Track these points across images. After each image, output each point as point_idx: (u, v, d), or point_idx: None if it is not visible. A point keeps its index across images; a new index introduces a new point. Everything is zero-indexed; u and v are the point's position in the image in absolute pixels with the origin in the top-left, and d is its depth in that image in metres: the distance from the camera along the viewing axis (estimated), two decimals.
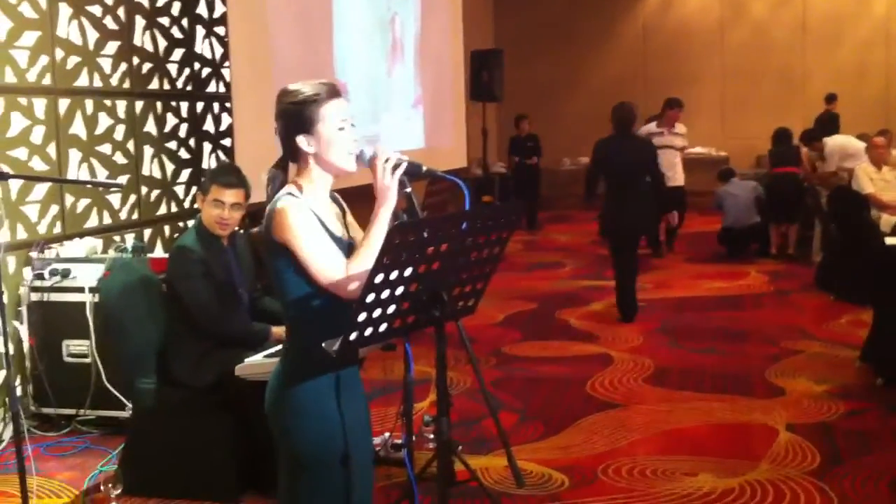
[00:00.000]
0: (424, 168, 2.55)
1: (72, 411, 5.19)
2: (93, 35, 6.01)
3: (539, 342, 7.01)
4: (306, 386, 2.50)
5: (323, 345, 2.22)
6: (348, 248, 2.56)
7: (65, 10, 5.75)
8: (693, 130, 11.96)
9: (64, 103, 5.75)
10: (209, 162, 7.29)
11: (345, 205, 2.76)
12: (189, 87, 7.09)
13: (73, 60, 5.84)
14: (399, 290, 2.23)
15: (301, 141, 2.57)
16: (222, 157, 7.47)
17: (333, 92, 2.61)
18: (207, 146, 7.30)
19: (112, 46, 6.20)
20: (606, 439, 4.91)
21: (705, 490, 4.22)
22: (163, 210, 6.75)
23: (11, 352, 5.25)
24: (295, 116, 2.57)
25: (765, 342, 6.79)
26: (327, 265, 2.43)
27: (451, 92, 12.23)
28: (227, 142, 7.45)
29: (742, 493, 4.18)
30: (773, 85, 15.85)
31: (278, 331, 4.08)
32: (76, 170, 5.87)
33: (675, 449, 4.77)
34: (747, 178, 11.30)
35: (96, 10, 6.05)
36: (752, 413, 5.26)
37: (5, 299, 5.20)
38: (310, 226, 2.46)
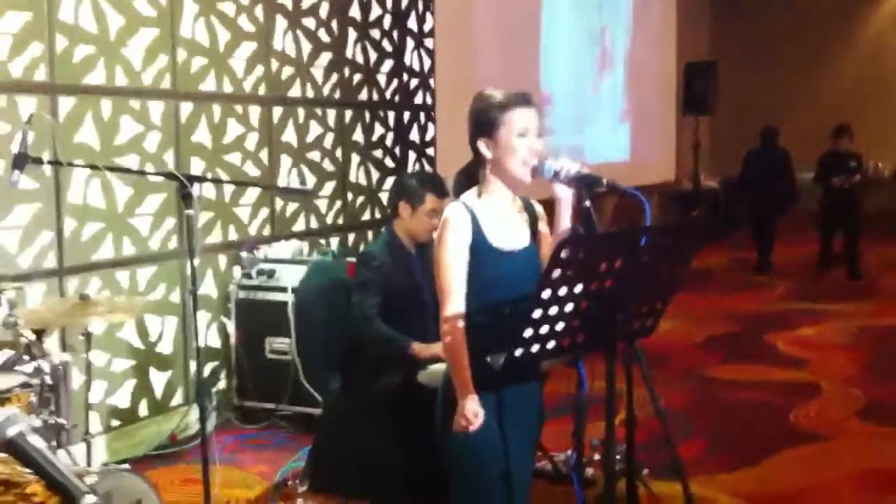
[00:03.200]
0: (605, 180, 2.47)
1: (271, 406, 5.40)
2: (307, 47, 6.27)
3: (740, 365, 6.68)
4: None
5: (488, 359, 2.19)
6: (507, 256, 2.55)
7: (281, 23, 6.04)
8: None
9: (277, 111, 6.03)
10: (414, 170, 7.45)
11: (540, 213, 2.73)
12: (397, 98, 7.27)
13: (287, 71, 6.11)
14: (568, 307, 2.16)
15: (481, 145, 2.59)
16: (426, 166, 7.61)
17: (523, 100, 2.59)
18: (412, 155, 7.46)
19: (325, 58, 6.45)
20: (806, 474, 4.60)
21: None
22: (367, 216, 6.95)
23: (217, 346, 5.57)
24: (479, 119, 2.60)
25: None
26: (448, 295, 2.52)
27: (661, 104, 11.94)
28: (430, 151, 7.58)
29: None
30: None
31: (419, 347, 3.99)
32: (286, 175, 6.14)
33: (883, 489, 4.41)
34: None
35: (311, 22, 6.31)
36: None
37: (215, 296, 5.55)
38: (456, 249, 2.52)
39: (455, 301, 2.51)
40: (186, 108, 5.34)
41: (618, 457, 4.33)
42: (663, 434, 4.85)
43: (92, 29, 4.76)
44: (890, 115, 11.51)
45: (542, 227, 2.70)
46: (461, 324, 2.49)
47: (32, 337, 3.57)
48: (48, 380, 3.25)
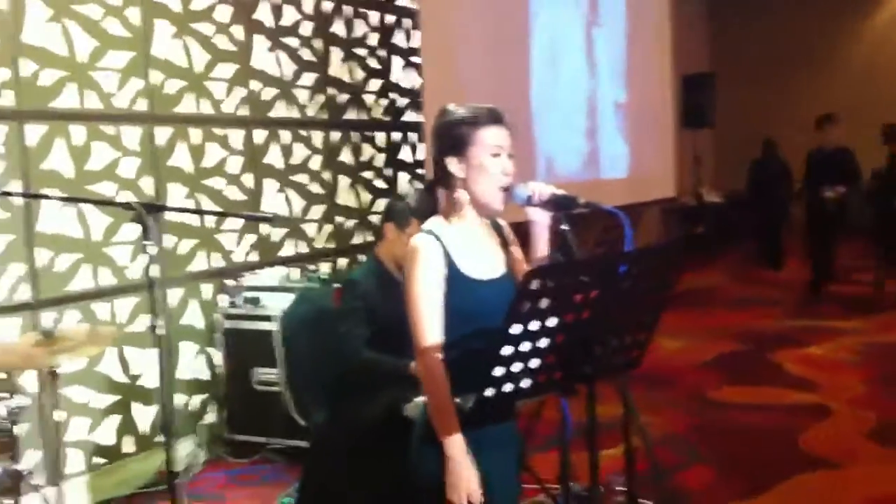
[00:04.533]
0: (581, 200, 2.28)
1: (262, 439, 5.21)
2: (289, 66, 6.10)
3: (747, 387, 6.45)
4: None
5: (457, 401, 1.99)
6: (483, 285, 2.36)
7: (261, 42, 5.86)
8: None
9: (260, 134, 5.85)
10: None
11: (509, 233, 2.54)
12: (386, 118, 7.10)
13: (270, 92, 5.94)
14: (542, 343, 1.96)
15: (451, 163, 2.40)
16: (419, 186, 7.43)
17: (494, 117, 2.42)
18: (404, 176, 7.28)
19: (309, 77, 6.28)
20: (818, 501, 4.39)
21: None
22: (358, 239, 6.76)
23: (205, 377, 5.38)
24: (448, 136, 2.42)
25: None
26: (422, 329, 2.31)
27: (658, 118, 11.74)
28: (422, 171, 7.40)
29: None
30: None
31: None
32: (272, 199, 5.96)
33: None
34: None
35: (293, 41, 6.14)
36: None
37: (201, 325, 5.37)
38: (427, 282, 2.31)
39: (431, 335, 2.31)
40: (164, 132, 5.17)
41: (619, 488, 4.17)
42: (658, 464, 4.67)
43: (61, 51, 4.60)
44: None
45: (515, 250, 2.50)
46: (440, 357, 2.29)
47: (3, 375, 3.41)
48: (6, 424, 3.06)
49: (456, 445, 2.23)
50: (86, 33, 4.72)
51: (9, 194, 3.72)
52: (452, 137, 2.40)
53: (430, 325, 2.31)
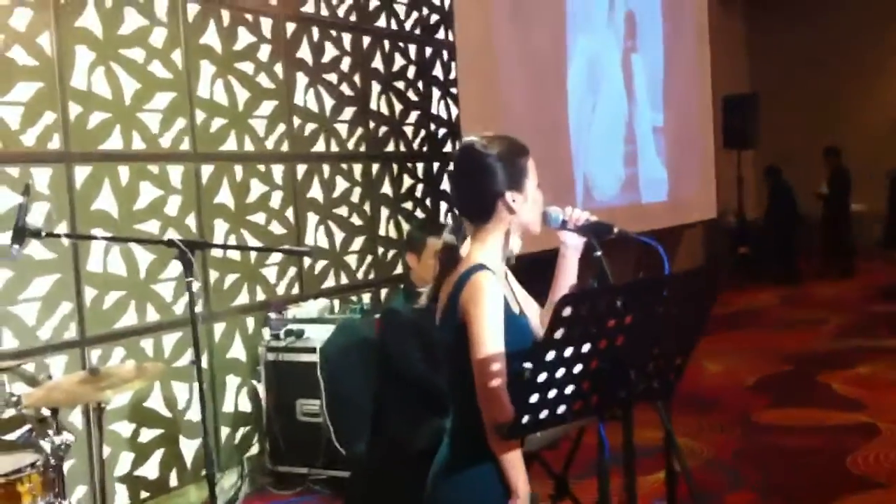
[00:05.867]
0: (616, 228, 2.31)
1: (305, 470, 5.25)
2: (329, 101, 6.20)
3: (793, 409, 6.38)
4: (470, 474, 2.26)
5: (494, 428, 2.02)
6: (525, 319, 2.33)
7: (302, 79, 5.98)
8: None
9: (301, 168, 5.95)
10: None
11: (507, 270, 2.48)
12: (425, 148, 7.18)
13: (310, 127, 6.04)
14: (577, 369, 1.99)
15: (512, 197, 2.32)
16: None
17: (523, 145, 2.41)
18: (444, 206, 7.34)
19: (348, 112, 6.38)
20: None
21: None
22: (399, 270, 6.82)
23: (248, 410, 5.45)
24: (505, 169, 2.32)
25: None
26: (496, 375, 2.16)
27: (699, 139, 11.70)
28: None
29: None
30: None
31: None
32: (314, 232, 6.04)
33: None
34: None
35: (332, 77, 6.24)
36: None
37: (244, 358, 5.45)
38: (497, 319, 2.20)
39: (503, 383, 2.17)
40: (207, 169, 5.28)
41: None
42: (719, 484, 4.64)
43: (106, 94, 4.73)
44: None
45: (514, 284, 2.48)
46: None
47: (48, 413, 3.48)
48: (51, 460, 3.14)
49: (526, 487, 2.23)
50: (130, 76, 4.85)
51: (56, 235, 3.82)
52: (511, 170, 2.33)
53: (502, 371, 2.18)
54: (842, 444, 5.48)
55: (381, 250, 6.68)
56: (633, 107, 10.20)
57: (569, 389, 2.01)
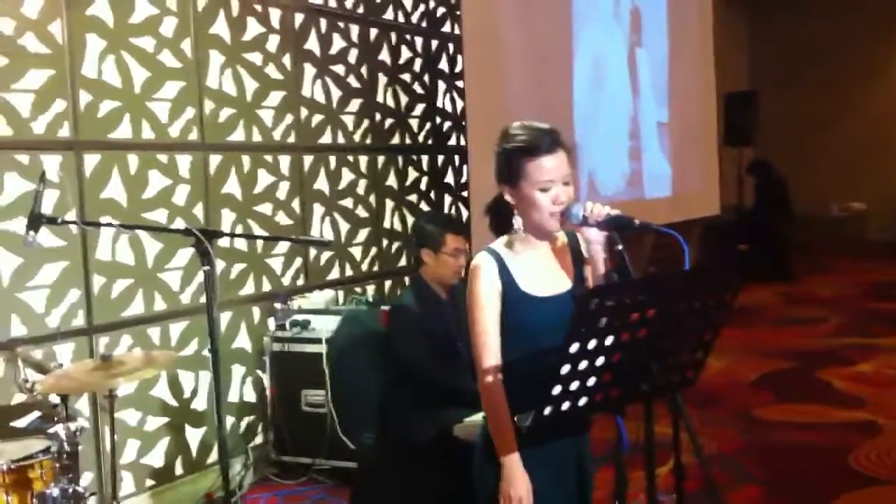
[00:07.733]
0: (637, 221, 2.31)
1: (308, 460, 5.26)
2: (336, 93, 6.20)
3: (795, 405, 6.41)
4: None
5: (515, 419, 2.03)
6: (544, 302, 2.41)
7: (309, 71, 5.98)
8: None
9: (308, 160, 5.96)
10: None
11: (587, 248, 2.51)
12: (430, 141, 7.18)
13: (317, 118, 6.04)
14: (600, 361, 2.00)
15: (505, 191, 2.47)
16: (462, 209, 7.49)
17: (551, 146, 2.42)
18: (448, 198, 7.35)
19: (355, 104, 6.38)
20: None
21: None
22: (403, 262, 6.83)
23: (253, 400, 5.46)
24: (502, 164, 2.46)
25: None
26: (482, 349, 2.39)
27: (701, 136, 11.72)
28: (466, 193, 7.47)
29: None
30: None
31: None
32: (319, 224, 6.05)
33: None
34: None
35: (340, 69, 6.24)
36: None
37: (249, 349, 5.45)
38: (486, 298, 2.39)
39: (491, 354, 2.38)
40: (215, 159, 5.28)
41: None
42: (710, 484, 4.66)
43: (116, 83, 4.73)
44: None
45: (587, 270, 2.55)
46: (499, 377, 2.35)
47: (57, 399, 3.48)
48: (66, 447, 3.15)
49: (513, 462, 2.28)
50: (140, 65, 4.85)
51: (73, 222, 3.82)
52: (507, 167, 2.44)
53: (491, 344, 2.38)
54: (844, 440, 5.51)
55: (385, 242, 6.68)
56: (637, 102, 10.21)
57: (591, 381, 2.03)
